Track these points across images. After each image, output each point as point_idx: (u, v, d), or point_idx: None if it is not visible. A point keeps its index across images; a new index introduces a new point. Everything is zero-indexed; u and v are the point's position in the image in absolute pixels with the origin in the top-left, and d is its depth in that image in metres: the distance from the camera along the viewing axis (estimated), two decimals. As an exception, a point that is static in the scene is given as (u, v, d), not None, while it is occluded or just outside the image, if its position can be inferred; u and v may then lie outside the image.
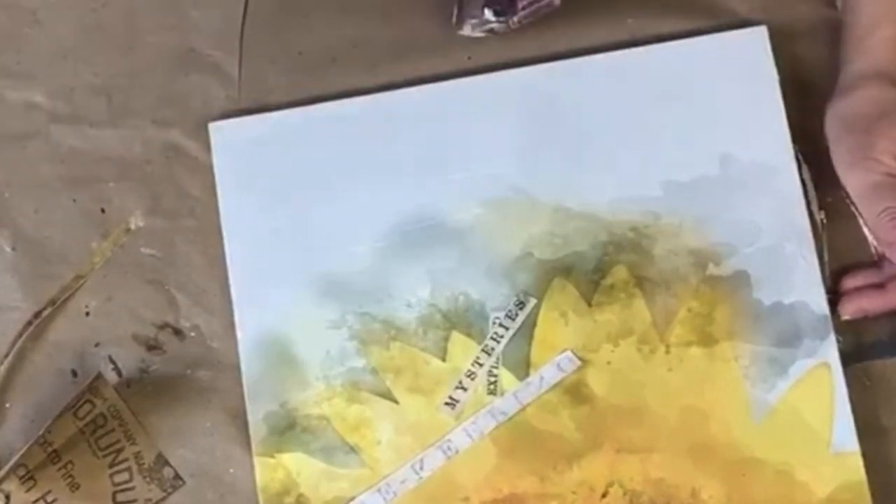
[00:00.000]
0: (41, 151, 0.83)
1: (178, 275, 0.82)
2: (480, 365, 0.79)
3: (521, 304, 0.80)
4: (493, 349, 0.80)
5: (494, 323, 0.80)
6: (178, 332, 0.81)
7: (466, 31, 0.78)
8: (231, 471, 0.79)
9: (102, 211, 0.82)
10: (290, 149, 0.82)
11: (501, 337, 0.80)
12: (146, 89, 0.84)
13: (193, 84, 0.84)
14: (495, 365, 0.79)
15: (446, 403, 0.79)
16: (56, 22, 0.85)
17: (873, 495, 0.77)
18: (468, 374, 0.79)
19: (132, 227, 0.82)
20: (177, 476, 0.78)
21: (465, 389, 0.79)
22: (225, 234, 0.81)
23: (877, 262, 0.80)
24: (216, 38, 0.84)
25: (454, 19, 0.80)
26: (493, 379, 0.79)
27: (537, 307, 0.80)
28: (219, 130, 0.82)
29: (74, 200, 0.83)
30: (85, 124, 0.84)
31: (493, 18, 0.76)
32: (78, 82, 0.84)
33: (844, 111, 0.77)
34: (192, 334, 0.81)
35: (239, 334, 0.80)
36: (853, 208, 0.77)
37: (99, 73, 0.82)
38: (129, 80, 0.84)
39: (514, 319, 0.80)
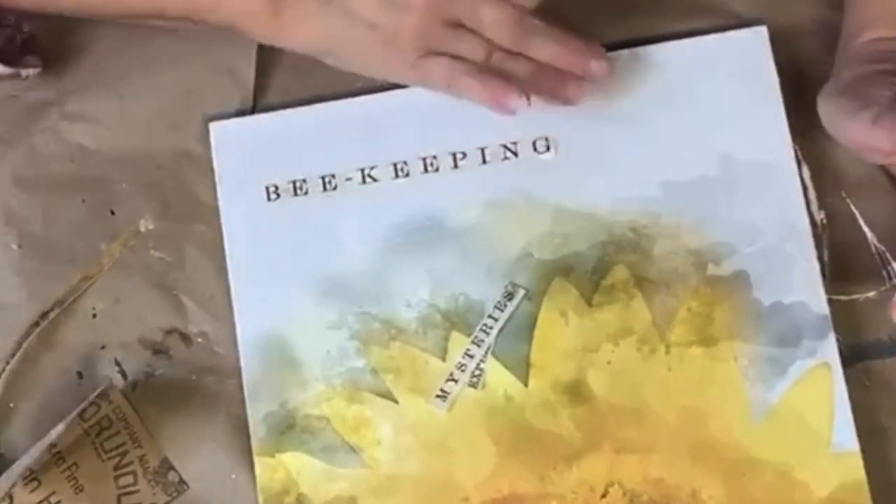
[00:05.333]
0: (51, 150, 0.83)
1: (187, 280, 0.82)
2: (471, 357, 0.80)
3: (510, 295, 0.80)
4: (482, 341, 0.80)
5: (485, 314, 0.80)
6: (185, 338, 0.81)
7: None
8: (234, 476, 0.79)
9: (112, 213, 0.83)
10: (290, 149, 0.82)
11: (491, 328, 0.80)
12: (159, 92, 0.84)
13: (207, 88, 0.84)
14: (483, 358, 0.80)
15: (437, 396, 0.79)
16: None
17: (873, 495, 0.77)
18: (459, 366, 0.79)
19: (142, 229, 0.82)
20: (181, 481, 0.78)
21: (455, 381, 0.79)
22: (225, 233, 0.81)
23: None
24: (233, 42, 0.83)
25: None
26: (478, 372, 0.79)
27: (537, 307, 0.80)
28: (219, 130, 0.83)
29: (84, 201, 0.83)
30: (96, 124, 0.84)
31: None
32: (90, 81, 0.84)
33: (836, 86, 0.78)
34: (200, 340, 0.81)
35: (239, 335, 0.80)
36: (853, 209, 0.77)
37: (112, 72, 0.82)
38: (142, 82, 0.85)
39: (503, 310, 0.80)
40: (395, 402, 0.79)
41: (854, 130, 0.74)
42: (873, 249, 0.80)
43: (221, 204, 0.81)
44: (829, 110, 0.77)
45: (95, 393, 0.77)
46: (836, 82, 0.78)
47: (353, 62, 0.79)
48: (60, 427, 0.75)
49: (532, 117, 0.80)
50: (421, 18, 0.76)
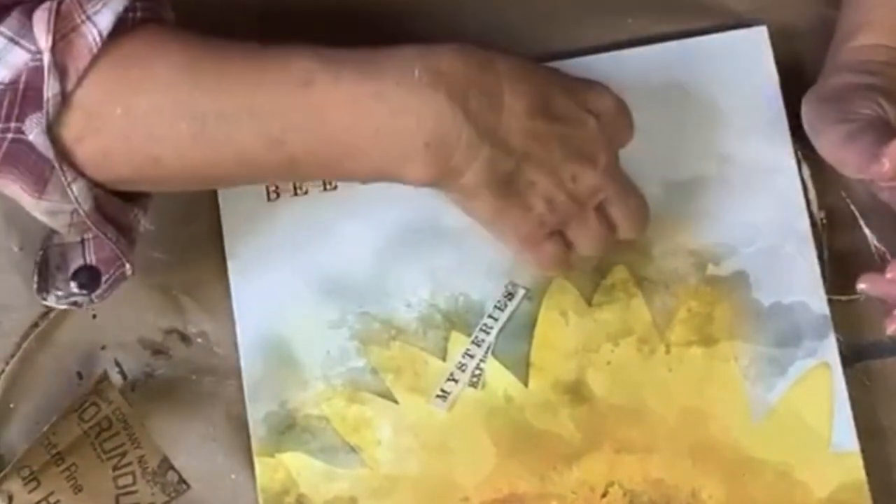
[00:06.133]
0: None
1: (187, 280, 0.82)
2: (471, 357, 0.80)
3: (510, 295, 0.80)
4: (482, 340, 0.80)
5: (484, 314, 0.80)
6: (184, 338, 0.81)
7: (51, 301, 0.77)
8: (234, 476, 0.79)
9: (112, 213, 0.82)
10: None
11: (491, 328, 0.80)
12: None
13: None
14: (483, 358, 0.80)
15: (437, 396, 0.79)
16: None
17: (873, 495, 0.77)
18: (459, 366, 0.79)
19: (141, 229, 0.82)
20: (181, 480, 0.78)
21: (455, 381, 0.79)
22: (225, 233, 0.81)
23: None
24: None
25: (35, 287, 0.78)
26: (478, 372, 0.79)
27: (537, 307, 0.80)
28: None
29: (84, 201, 0.83)
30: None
31: (77, 291, 0.76)
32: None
33: (820, 91, 0.78)
34: (199, 340, 0.81)
35: (239, 335, 0.80)
36: (853, 209, 0.77)
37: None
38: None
39: (503, 310, 0.80)
40: (395, 402, 0.79)
41: (827, 142, 0.74)
42: (873, 249, 0.80)
43: (221, 204, 0.81)
44: (809, 115, 0.77)
45: (91, 386, 0.77)
46: (822, 87, 0.78)
47: (477, 216, 0.74)
48: (55, 419, 0.76)
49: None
50: (579, 216, 0.74)
